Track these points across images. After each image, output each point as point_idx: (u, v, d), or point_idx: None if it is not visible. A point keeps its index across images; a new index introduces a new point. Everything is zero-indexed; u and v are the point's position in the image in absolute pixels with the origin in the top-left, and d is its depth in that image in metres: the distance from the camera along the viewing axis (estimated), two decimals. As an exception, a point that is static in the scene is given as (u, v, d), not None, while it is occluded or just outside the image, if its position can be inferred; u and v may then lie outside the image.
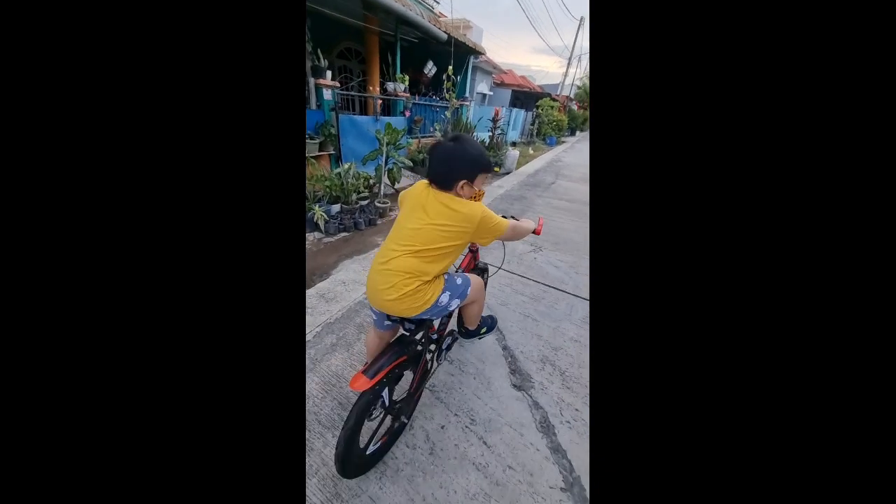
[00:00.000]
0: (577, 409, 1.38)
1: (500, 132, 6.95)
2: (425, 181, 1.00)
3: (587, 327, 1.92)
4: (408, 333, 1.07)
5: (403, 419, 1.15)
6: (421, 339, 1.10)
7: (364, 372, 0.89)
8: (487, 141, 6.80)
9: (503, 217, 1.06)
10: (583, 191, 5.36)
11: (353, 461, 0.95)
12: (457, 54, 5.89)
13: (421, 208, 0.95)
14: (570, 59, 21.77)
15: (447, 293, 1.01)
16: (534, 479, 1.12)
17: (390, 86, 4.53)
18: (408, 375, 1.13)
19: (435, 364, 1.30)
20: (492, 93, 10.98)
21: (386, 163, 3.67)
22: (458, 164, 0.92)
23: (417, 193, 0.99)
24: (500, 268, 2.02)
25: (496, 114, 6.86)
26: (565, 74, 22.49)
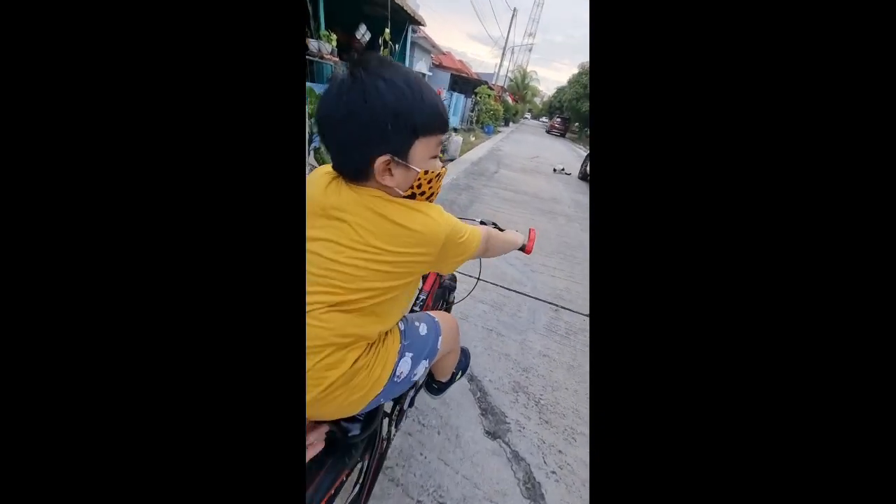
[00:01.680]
0: (560, 451, 1.15)
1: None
2: (327, 173, 0.54)
3: (552, 337, 1.73)
4: (347, 434, 0.59)
5: None
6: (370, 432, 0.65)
7: None
8: None
9: (471, 223, 0.70)
10: (526, 182, 5.35)
11: None
12: (394, 21, 5.19)
13: (328, 217, 0.50)
14: (504, 49, 22.20)
15: (408, 356, 0.61)
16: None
17: (313, 44, 3.68)
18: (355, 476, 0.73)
19: (393, 432, 0.88)
20: (431, 73, 10.32)
21: (310, 140, 2.97)
22: (372, 122, 0.44)
23: (317, 190, 0.52)
24: (478, 278, 1.26)
25: (438, 96, 6.33)
26: (499, 65, 22.92)
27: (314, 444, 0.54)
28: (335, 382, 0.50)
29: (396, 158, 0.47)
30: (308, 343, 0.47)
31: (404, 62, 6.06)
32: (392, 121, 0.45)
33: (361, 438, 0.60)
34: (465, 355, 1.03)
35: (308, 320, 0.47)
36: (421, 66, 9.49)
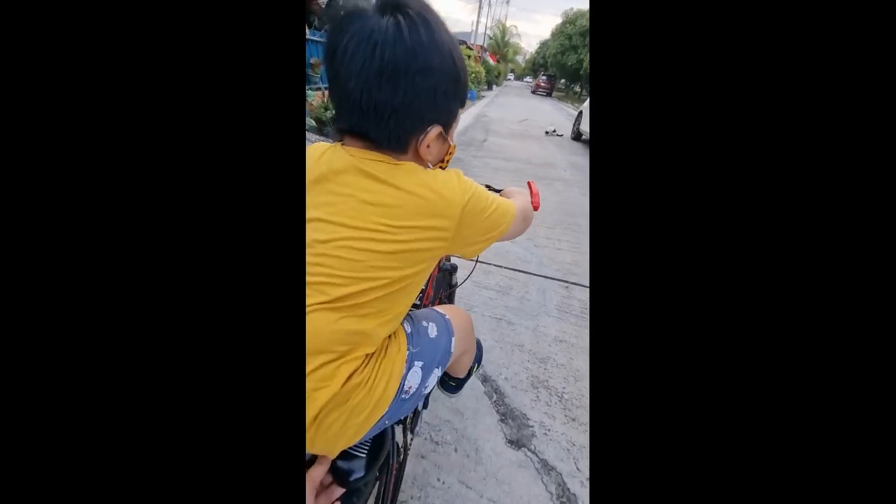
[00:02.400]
0: (592, 451, 1.03)
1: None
2: (325, 144, 0.44)
3: (567, 318, 1.59)
4: (348, 479, 0.46)
5: None
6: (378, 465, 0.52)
7: None
8: None
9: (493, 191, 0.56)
10: (517, 147, 5.05)
11: None
12: (355, -23, 4.61)
13: (322, 190, 0.41)
14: (479, 2, 20.58)
15: (417, 365, 0.48)
16: None
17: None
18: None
19: (409, 440, 0.74)
20: None
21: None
22: (420, 78, 0.37)
23: (308, 162, 0.42)
24: (476, 260, 0.88)
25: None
26: (476, 22, 21.35)
27: (325, 465, 0.43)
28: (326, 406, 0.39)
29: (443, 129, 0.42)
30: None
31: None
32: (453, 86, 0.40)
33: (366, 481, 0.47)
34: (478, 347, 0.86)
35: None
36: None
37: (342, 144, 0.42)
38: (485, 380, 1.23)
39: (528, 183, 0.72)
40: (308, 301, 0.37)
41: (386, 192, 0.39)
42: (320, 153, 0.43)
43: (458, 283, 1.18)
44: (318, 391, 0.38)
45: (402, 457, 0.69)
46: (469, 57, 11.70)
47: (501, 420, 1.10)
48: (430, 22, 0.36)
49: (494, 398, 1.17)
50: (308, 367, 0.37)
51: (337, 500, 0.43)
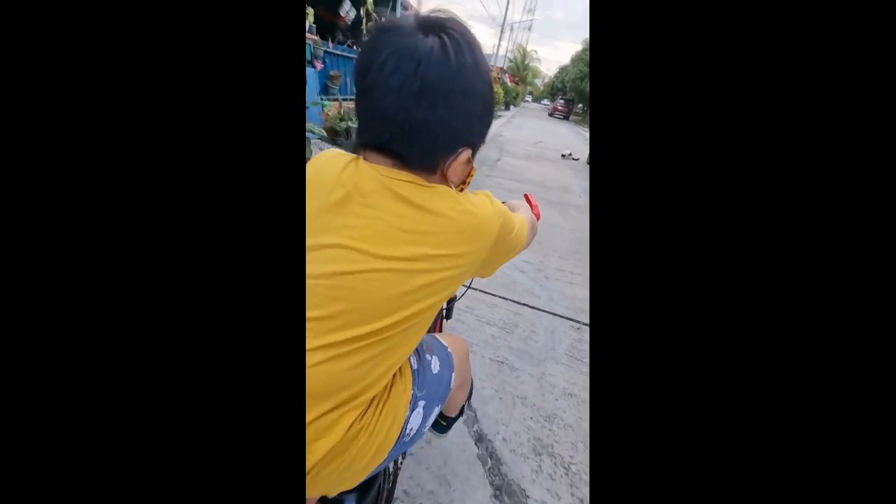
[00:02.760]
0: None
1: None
2: (336, 151, 0.42)
3: (577, 366, 1.42)
4: None
5: None
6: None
7: None
8: None
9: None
10: (532, 169, 4.95)
11: None
12: (380, -5, 4.70)
13: (344, 211, 0.37)
14: (502, 27, 21.22)
15: (421, 405, 0.46)
16: None
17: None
18: None
19: (400, 462, 0.75)
20: None
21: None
22: (461, 100, 0.36)
23: (328, 176, 0.39)
24: (467, 286, 0.90)
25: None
26: (497, 45, 21.94)
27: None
28: (325, 457, 0.37)
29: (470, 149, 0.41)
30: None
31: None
32: (487, 110, 0.40)
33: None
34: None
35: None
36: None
37: (364, 159, 0.40)
38: (479, 439, 1.06)
39: (525, 196, 0.70)
40: (323, 341, 0.34)
41: (421, 218, 0.36)
42: (341, 167, 0.39)
43: (458, 297, 1.05)
44: (318, 442, 0.36)
45: (391, 483, 0.67)
46: (489, 78, 11.88)
47: (496, 496, 0.92)
48: (472, 45, 0.36)
49: (489, 464, 1.00)
50: (308, 416, 0.35)
51: None
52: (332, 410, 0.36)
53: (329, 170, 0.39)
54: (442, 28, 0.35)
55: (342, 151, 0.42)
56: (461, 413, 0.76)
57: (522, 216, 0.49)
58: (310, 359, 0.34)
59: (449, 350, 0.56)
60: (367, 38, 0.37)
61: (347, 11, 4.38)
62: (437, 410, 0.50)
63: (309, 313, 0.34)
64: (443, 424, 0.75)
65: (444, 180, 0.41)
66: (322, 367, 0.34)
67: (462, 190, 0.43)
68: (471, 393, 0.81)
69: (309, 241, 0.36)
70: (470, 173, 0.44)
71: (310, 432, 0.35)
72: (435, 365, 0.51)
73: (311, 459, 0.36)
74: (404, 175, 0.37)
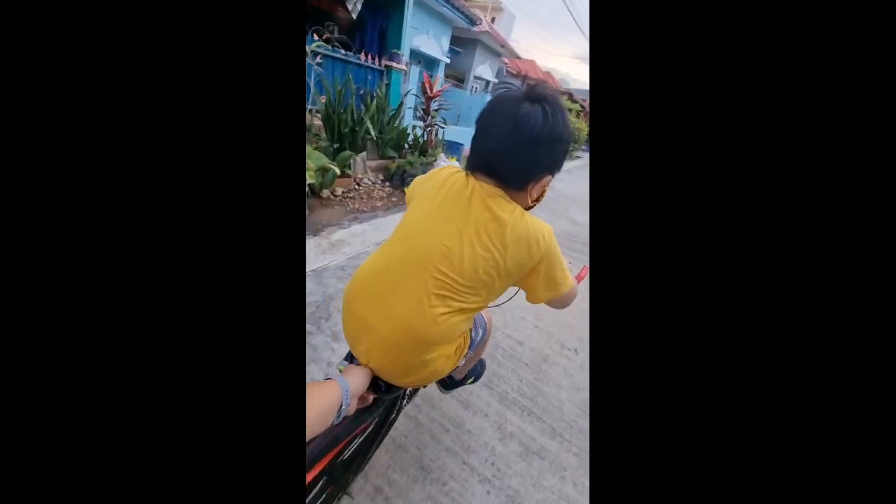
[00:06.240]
0: None
1: (435, 120, 3.82)
2: (452, 168, 0.64)
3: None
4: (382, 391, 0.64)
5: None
6: (397, 397, 0.80)
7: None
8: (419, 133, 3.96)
9: None
10: (566, 179, 4.07)
11: None
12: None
13: (460, 210, 0.57)
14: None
15: (464, 358, 0.72)
16: None
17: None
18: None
19: (404, 404, 0.91)
20: (496, 80, 8.36)
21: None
22: (551, 147, 0.56)
23: (452, 182, 0.60)
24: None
25: (428, 87, 3.71)
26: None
27: (366, 397, 0.61)
28: (425, 368, 0.60)
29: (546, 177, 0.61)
30: (422, 338, 0.57)
31: (399, 35, 4.68)
32: (566, 144, 0.59)
33: (381, 404, 0.69)
34: (481, 364, 1.06)
35: (426, 313, 0.55)
36: (483, 70, 7.88)
37: (469, 174, 0.61)
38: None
39: (584, 267, 0.87)
40: (436, 291, 0.55)
41: (497, 223, 0.55)
42: (460, 176, 0.61)
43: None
44: (429, 364, 0.60)
45: (394, 415, 0.87)
46: (569, 110, 10.63)
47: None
48: (562, 108, 0.56)
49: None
50: (428, 350, 0.59)
51: (357, 406, 0.59)
52: (441, 344, 0.60)
53: (448, 178, 0.62)
54: (543, 98, 0.55)
55: (454, 169, 0.63)
56: (463, 381, 0.98)
57: (572, 278, 0.65)
58: (435, 309, 0.55)
59: (486, 322, 0.84)
60: (489, 105, 0.58)
61: (354, 3, 4.16)
62: (469, 356, 0.76)
63: (435, 274, 0.55)
64: (447, 382, 0.96)
65: (525, 195, 0.60)
66: (436, 315, 0.56)
67: (537, 203, 0.64)
68: (481, 374, 1.03)
69: (437, 223, 0.58)
70: (543, 192, 0.63)
71: (421, 368, 0.60)
72: (476, 333, 0.77)
73: (422, 374, 0.61)
74: (496, 190, 0.58)
